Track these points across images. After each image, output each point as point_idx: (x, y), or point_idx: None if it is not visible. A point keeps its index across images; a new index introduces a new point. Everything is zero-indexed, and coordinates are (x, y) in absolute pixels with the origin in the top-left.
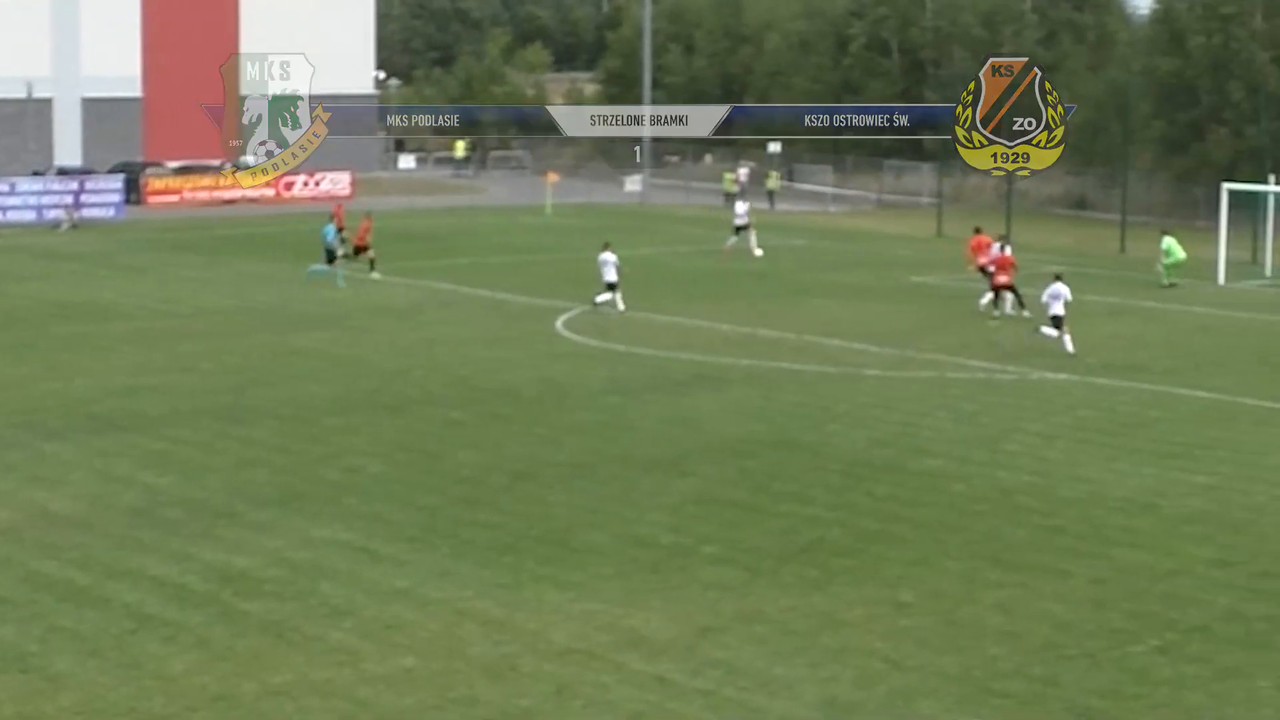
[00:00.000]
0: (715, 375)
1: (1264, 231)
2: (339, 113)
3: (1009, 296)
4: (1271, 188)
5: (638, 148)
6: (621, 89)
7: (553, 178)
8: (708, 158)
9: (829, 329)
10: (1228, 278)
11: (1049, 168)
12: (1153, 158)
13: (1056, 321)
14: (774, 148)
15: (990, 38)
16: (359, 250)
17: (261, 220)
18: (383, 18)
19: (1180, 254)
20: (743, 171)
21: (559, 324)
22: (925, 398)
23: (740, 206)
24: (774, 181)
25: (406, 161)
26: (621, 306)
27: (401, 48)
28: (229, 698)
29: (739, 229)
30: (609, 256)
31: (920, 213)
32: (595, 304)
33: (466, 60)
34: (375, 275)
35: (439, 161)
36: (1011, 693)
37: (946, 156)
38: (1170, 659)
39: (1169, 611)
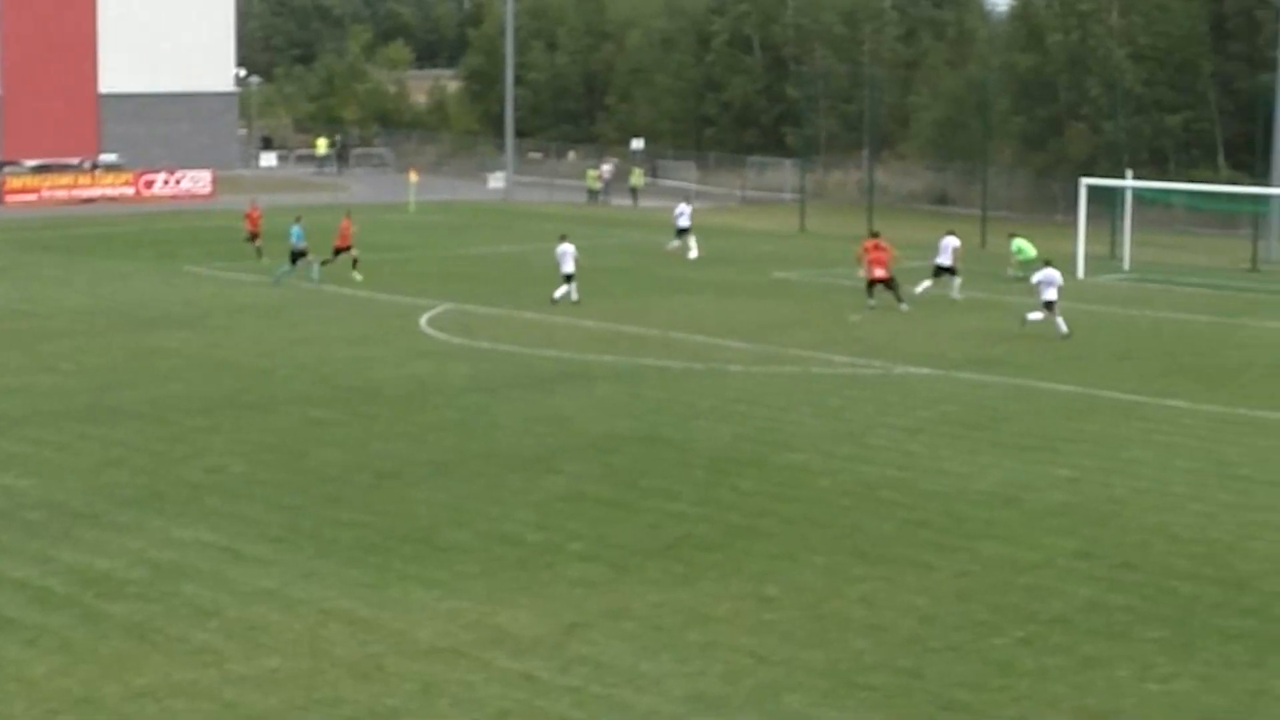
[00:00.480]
0: (580, 372)
1: (1122, 226)
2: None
3: (880, 290)
4: (1129, 183)
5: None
6: (484, 86)
7: (414, 176)
8: (571, 155)
9: (694, 325)
10: (1087, 272)
11: (911, 163)
12: (1012, 153)
13: (1049, 306)
14: (637, 145)
15: (851, 35)
16: (339, 251)
17: (121, 219)
18: (243, 15)
19: (1032, 252)
20: (606, 168)
21: (423, 322)
22: (790, 393)
23: (682, 208)
24: (637, 178)
25: (268, 159)
26: (576, 297)
27: (262, 45)
28: (92, 700)
29: (681, 231)
30: (568, 248)
31: (783, 208)
32: (554, 300)
33: (328, 58)
34: (357, 276)
35: (301, 159)
36: (877, 685)
37: (809, 152)
38: (1033, 650)
39: (1032, 603)
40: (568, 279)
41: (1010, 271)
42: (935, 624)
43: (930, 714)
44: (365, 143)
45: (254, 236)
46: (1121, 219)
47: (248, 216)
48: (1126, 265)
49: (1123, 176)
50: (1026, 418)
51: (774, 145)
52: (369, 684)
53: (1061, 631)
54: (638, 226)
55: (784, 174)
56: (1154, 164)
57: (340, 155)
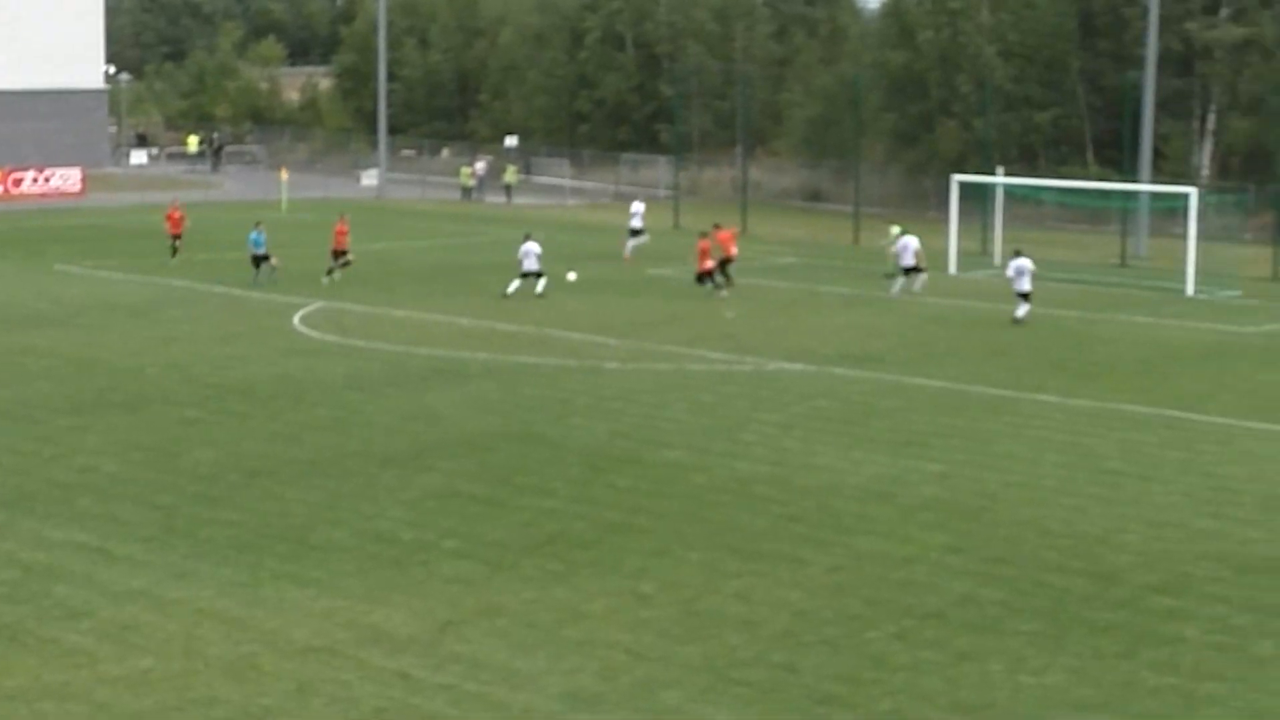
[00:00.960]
0: (454, 370)
1: (993, 222)
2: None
3: (717, 276)
4: (999, 179)
5: None
6: (356, 83)
7: (285, 174)
8: (445, 152)
9: (568, 322)
10: (959, 268)
11: (784, 160)
12: (884, 150)
13: (1025, 297)
14: (511, 142)
15: (723, 32)
16: (337, 254)
17: None
18: (112, 11)
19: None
20: (480, 166)
21: (296, 320)
22: (664, 390)
23: (637, 206)
24: (511, 175)
25: (139, 157)
26: (540, 289)
27: (132, 41)
28: None
29: (635, 231)
30: (531, 246)
31: (657, 205)
32: (506, 294)
33: (199, 55)
34: (327, 279)
35: (172, 157)
36: (752, 681)
37: (682, 149)
38: (907, 644)
39: (905, 598)
40: (525, 276)
41: (890, 263)
42: (810, 619)
43: (805, 708)
44: (238, 140)
45: (176, 238)
46: (992, 215)
47: (168, 218)
48: (997, 261)
49: (993, 173)
50: (899, 413)
51: (647, 142)
52: (243, 684)
53: (935, 625)
54: (512, 224)
55: (658, 171)
56: (1024, 161)
57: (214, 152)
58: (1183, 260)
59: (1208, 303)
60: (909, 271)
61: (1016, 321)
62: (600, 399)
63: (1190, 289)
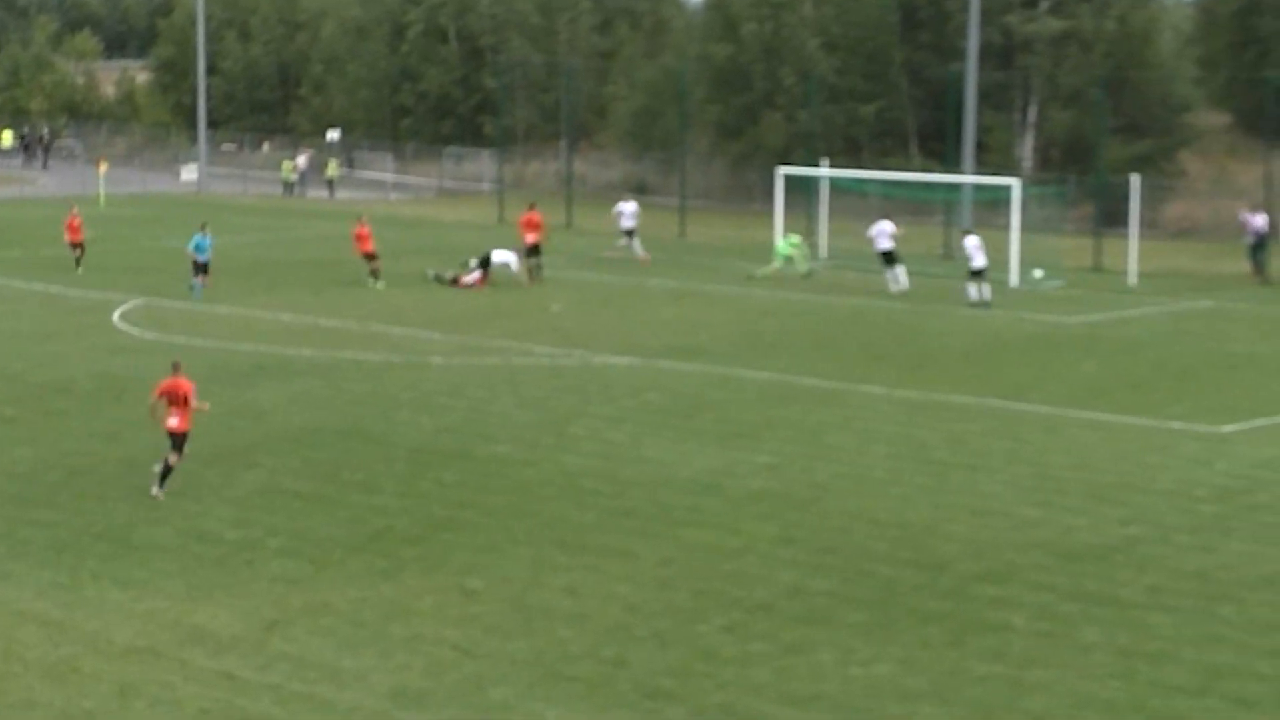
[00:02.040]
0: (278, 366)
1: (818, 214)
2: None
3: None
4: (824, 171)
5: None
6: (175, 77)
7: (103, 166)
8: (266, 146)
9: (393, 317)
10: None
11: (610, 152)
12: (709, 142)
13: (979, 274)
14: (333, 135)
15: (547, 25)
16: (369, 257)
17: None
18: None
19: (788, 251)
20: (301, 160)
21: (115, 317)
22: (491, 384)
23: (627, 206)
24: (333, 170)
25: None
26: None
27: None
28: None
29: (627, 233)
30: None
31: (481, 199)
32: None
33: (13, 48)
34: (378, 285)
35: None
36: (582, 676)
37: (507, 143)
38: (737, 637)
39: (735, 590)
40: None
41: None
42: (639, 612)
43: (635, 702)
44: (55, 135)
45: (75, 246)
46: (818, 207)
47: (68, 226)
48: (824, 253)
49: (818, 165)
50: (727, 405)
51: (472, 135)
52: (64, 686)
53: (764, 617)
54: (334, 218)
55: (482, 164)
56: (849, 153)
57: (29, 147)
58: (1006, 251)
59: (1030, 293)
60: (977, 275)
61: (977, 304)
62: (426, 394)
63: (1014, 280)
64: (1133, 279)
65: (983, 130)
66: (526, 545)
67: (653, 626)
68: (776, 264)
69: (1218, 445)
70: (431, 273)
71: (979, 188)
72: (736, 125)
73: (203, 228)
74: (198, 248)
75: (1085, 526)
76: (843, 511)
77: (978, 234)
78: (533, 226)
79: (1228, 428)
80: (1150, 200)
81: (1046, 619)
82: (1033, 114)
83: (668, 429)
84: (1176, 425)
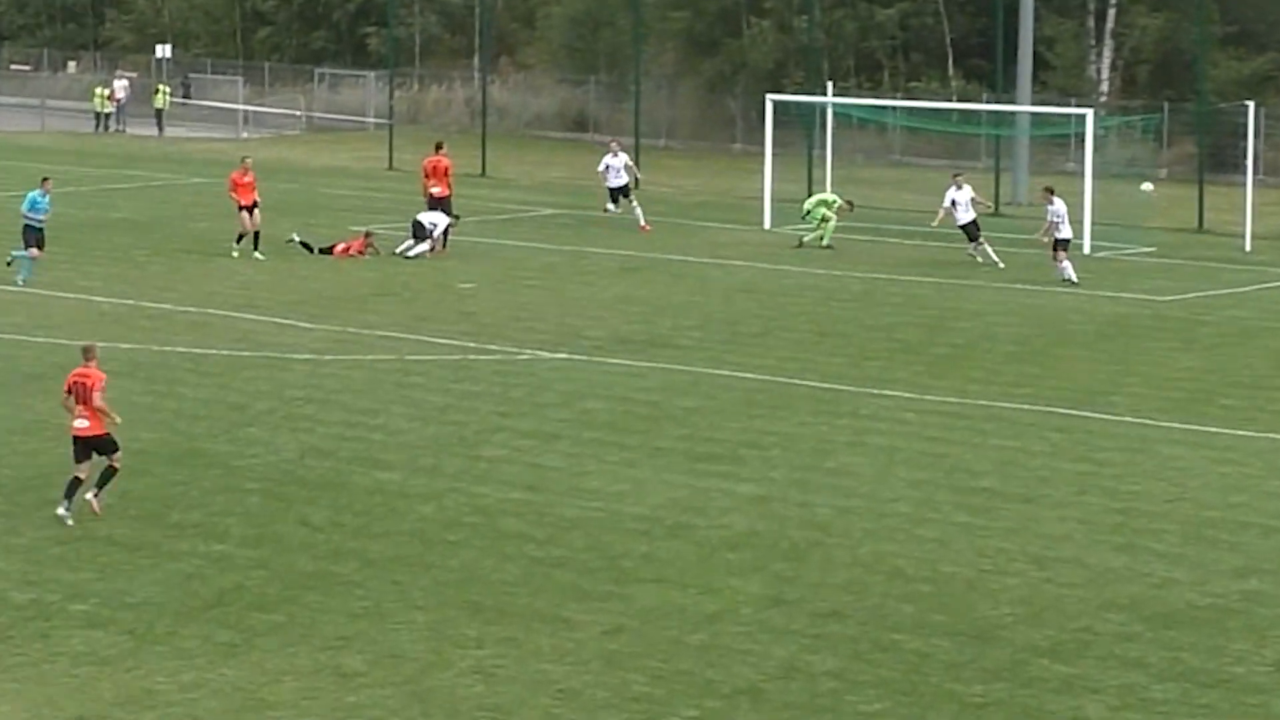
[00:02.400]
0: None
1: (821, 158)
2: None
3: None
4: (828, 99)
5: None
6: None
7: None
8: (72, 66)
9: (243, 299)
10: (775, 220)
11: (540, 75)
12: (674, 61)
13: (1063, 245)
14: (163, 52)
15: None
16: (249, 210)
17: None
18: None
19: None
20: (120, 85)
21: None
22: (378, 389)
23: (615, 160)
24: (163, 98)
25: None
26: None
27: None
28: None
29: (617, 192)
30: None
31: (365, 137)
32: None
33: None
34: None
35: None
36: None
37: (399, 62)
38: None
39: (707, 671)
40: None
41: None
42: (577, 701)
43: None
44: None
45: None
46: (821, 148)
47: None
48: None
49: (821, 91)
50: (698, 417)
51: (352, 53)
52: None
53: (749, 707)
54: (165, 163)
55: (365, 91)
56: (863, 74)
57: None
58: (1077, 206)
59: (1110, 263)
60: (1059, 245)
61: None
62: (288, 403)
63: (1087, 245)
64: (1248, 242)
65: (1044, 43)
66: (425, 610)
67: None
68: (829, 221)
69: None
70: (297, 238)
71: (1039, 120)
72: (710, 38)
73: (43, 183)
74: (33, 206)
75: (1186, 580)
76: (854, 561)
77: (967, 184)
78: (438, 174)
79: None
80: (1272, 136)
81: (1135, 708)
82: (1111, 19)
83: (617, 450)
84: None
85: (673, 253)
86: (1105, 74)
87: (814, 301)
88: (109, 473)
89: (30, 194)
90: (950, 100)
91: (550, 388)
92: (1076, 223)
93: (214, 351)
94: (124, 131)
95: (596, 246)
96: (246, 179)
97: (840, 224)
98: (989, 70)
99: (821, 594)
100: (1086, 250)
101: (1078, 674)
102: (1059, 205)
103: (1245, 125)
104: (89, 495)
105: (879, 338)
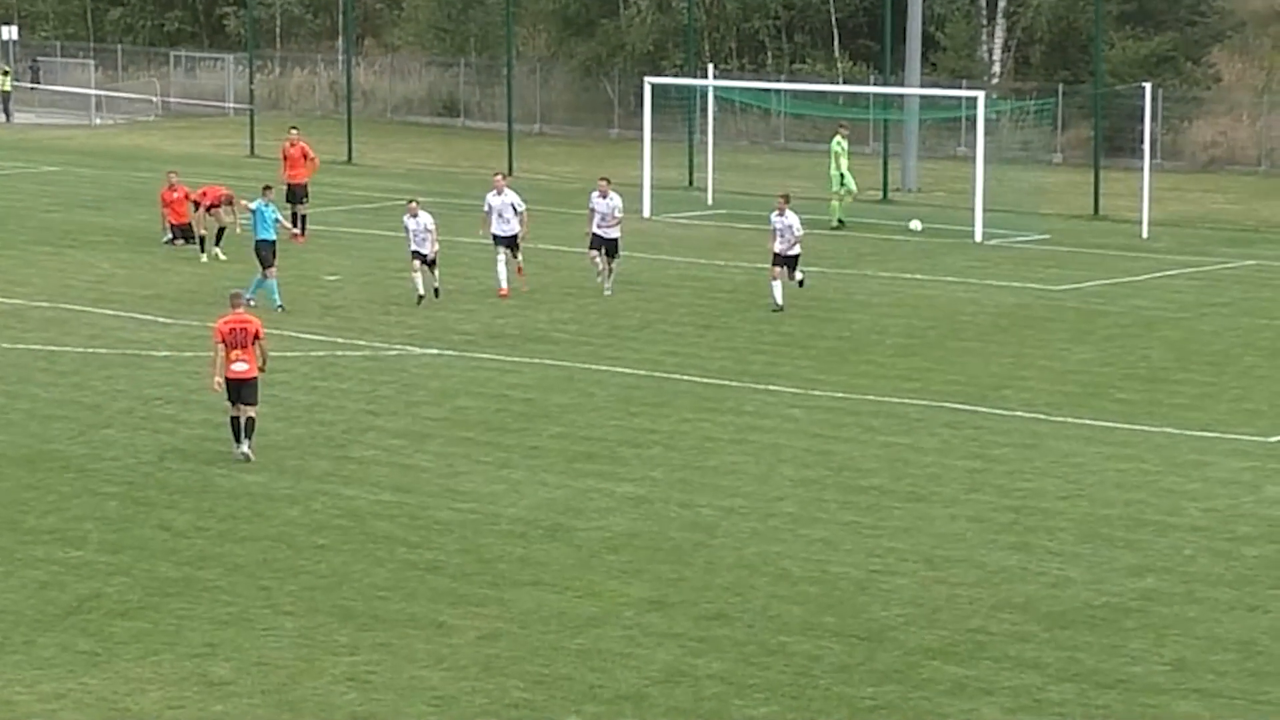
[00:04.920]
0: None
1: (704, 142)
2: None
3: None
4: (709, 81)
5: None
6: None
7: None
8: None
9: (95, 293)
10: (655, 208)
11: (407, 57)
12: (547, 42)
13: (788, 262)
14: (9, 34)
15: None
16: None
17: None
18: None
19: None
20: None
21: None
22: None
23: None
24: (7, 82)
25: None
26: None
27: None
28: None
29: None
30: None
31: (224, 124)
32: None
33: None
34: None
35: None
36: None
37: (259, 44)
38: None
39: (588, 675)
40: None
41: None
42: (454, 708)
43: None
44: None
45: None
46: (702, 133)
47: None
48: (710, 199)
49: (702, 73)
50: (575, 415)
51: (209, 34)
52: None
53: (632, 712)
54: (13, 151)
55: (224, 75)
56: (746, 55)
57: None
58: (968, 193)
59: (1003, 251)
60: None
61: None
62: (147, 403)
63: (979, 233)
64: (1145, 229)
65: (933, 22)
66: (294, 616)
67: None
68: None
69: (1266, 463)
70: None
71: (928, 103)
72: (586, 18)
73: None
74: None
75: (1082, 579)
76: (739, 563)
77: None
78: (296, 161)
79: (1278, 438)
80: (1171, 119)
81: (1030, 710)
82: None
83: (491, 449)
84: (1207, 435)
85: (546, 242)
86: (998, 55)
87: (696, 293)
88: (250, 424)
89: None
90: (837, 83)
91: (421, 385)
92: (968, 209)
93: (65, 348)
94: None
95: (468, 236)
96: (176, 195)
97: (722, 213)
98: (876, 51)
99: (706, 596)
100: (978, 238)
101: (971, 675)
102: (791, 218)
103: (1143, 108)
104: (245, 449)
105: (764, 331)
